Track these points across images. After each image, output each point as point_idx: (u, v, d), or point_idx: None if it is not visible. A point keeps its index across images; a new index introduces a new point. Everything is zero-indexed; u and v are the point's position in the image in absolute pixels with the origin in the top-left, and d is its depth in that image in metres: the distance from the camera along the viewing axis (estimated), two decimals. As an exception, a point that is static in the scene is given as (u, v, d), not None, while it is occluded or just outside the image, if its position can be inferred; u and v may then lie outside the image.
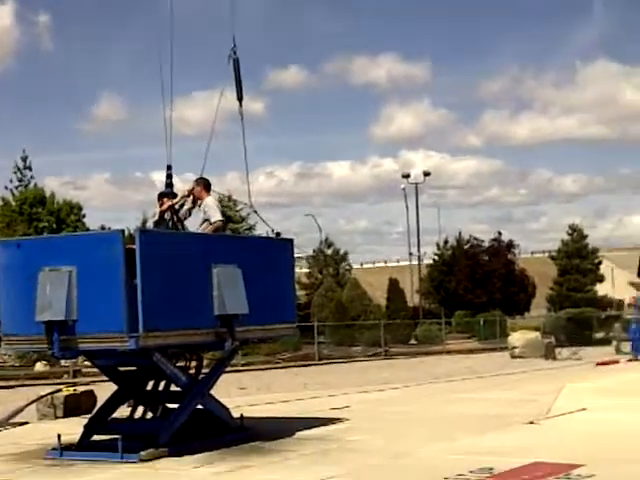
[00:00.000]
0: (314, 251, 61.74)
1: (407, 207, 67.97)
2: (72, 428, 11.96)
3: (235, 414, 11.86)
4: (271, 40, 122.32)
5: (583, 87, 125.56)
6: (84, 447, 10.76)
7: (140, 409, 11.75)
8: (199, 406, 11.28)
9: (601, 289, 70.68)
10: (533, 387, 18.82)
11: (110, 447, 10.34)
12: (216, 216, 11.97)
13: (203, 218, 12.04)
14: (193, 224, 12.22)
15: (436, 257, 69.00)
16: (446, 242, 69.12)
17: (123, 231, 10.15)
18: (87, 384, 20.58)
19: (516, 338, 42.08)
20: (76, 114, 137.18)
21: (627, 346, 37.68)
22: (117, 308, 9.82)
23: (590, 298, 64.92)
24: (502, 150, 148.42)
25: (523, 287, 66.17)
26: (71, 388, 16.85)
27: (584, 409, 13.69)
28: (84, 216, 50.28)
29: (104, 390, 13.06)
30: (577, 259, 68.23)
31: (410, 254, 68.09)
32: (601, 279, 70.23)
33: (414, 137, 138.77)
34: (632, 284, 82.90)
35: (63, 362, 31.36)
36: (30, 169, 51.89)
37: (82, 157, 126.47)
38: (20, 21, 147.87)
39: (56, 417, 15.45)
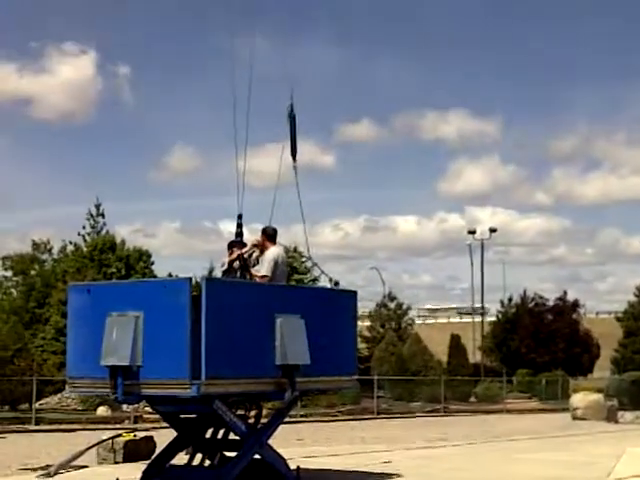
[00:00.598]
0: (377, 305, 61.73)
1: (472, 263, 67.75)
2: (131, 473, 12.09)
3: (292, 465, 11.89)
4: (344, 93, 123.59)
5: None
6: (142, 492, 10.87)
7: (198, 456, 11.84)
8: (257, 455, 11.34)
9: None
10: (594, 450, 18.57)
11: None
12: (262, 271, 12.15)
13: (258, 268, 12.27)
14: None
15: (499, 314, 68.47)
16: (510, 299, 68.63)
17: (190, 279, 10.31)
18: (147, 430, 20.74)
19: (578, 399, 41.49)
20: (150, 163, 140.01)
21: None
22: (181, 355, 9.94)
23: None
24: (570, 209, 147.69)
25: (587, 348, 65.30)
26: (131, 433, 16.99)
27: (645, 474, 13.48)
28: (152, 263, 51.05)
29: (164, 437, 13.18)
30: (643, 321, 67.18)
31: (473, 310, 67.65)
32: (668, 342, 69.03)
33: (481, 193, 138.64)
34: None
35: (125, 407, 31.68)
36: (103, 216, 52.99)
37: (153, 205, 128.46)
38: (101, 72, 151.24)
39: (115, 462, 15.58)
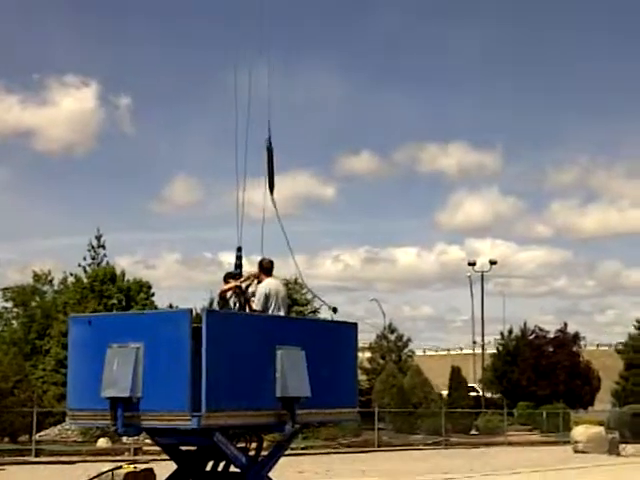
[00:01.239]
0: (377, 336, 61.65)
1: (472, 295, 67.69)
2: (131, 505, 12.06)
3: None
4: (345, 125, 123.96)
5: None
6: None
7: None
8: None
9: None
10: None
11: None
12: (253, 306, 12.20)
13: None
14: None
15: (500, 346, 68.34)
16: (510, 332, 68.49)
17: (191, 310, 10.34)
18: (147, 462, 20.70)
19: (579, 432, 41.38)
20: (151, 194, 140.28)
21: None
22: (181, 386, 9.94)
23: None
24: (570, 241, 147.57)
25: (588, 380, 65.12)
26: (131, 465, 16.97)
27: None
28: (153, 295, 50.99)
29: (164, 469, 13.15)
30: (644, 353, 67.03)
31: (474, 343, 67.60)
32: (669, 375, 68.85)
33: (481, 225, 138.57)
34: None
35: (125, 439, 31.58)
36: (103, 247, 53.06)
37: (154, 237, 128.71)
38: (102, 103, 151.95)
39: (116, 494, 15.55)
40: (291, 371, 10.82)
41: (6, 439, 35.33)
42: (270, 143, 13.09)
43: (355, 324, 12.72)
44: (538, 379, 62.42)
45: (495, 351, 68.94)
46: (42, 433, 36.01)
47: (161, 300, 52.11)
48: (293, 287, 46.22)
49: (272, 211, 12.82)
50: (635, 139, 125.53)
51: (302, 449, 34.83)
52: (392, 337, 61.63)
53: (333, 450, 38.08)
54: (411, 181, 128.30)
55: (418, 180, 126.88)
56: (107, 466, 16.82)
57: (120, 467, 16.46)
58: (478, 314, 67.40)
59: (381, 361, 59.19)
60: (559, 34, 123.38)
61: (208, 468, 11.81)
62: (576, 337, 67.09)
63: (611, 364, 72.97)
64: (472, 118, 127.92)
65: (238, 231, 12.65)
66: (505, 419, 50.94)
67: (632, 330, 69.52)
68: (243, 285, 12.47)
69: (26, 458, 31.36)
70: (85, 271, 51.37)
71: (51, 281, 58.66)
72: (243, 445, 11.61)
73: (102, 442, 34.72)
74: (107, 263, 52.26)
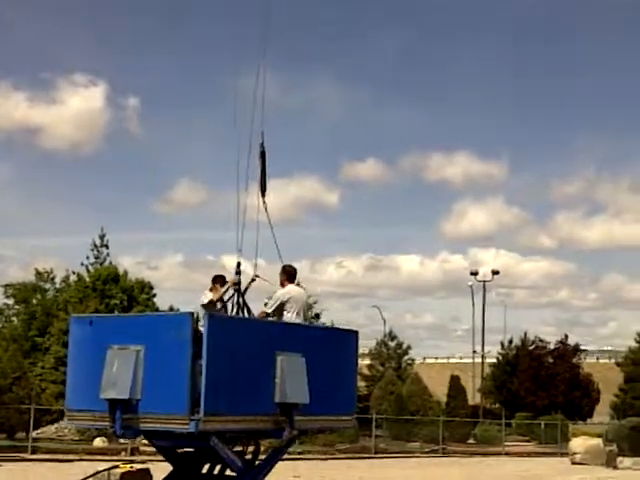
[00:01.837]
0: (377, 343, 61.66)
1: (474, 304, 67.63)
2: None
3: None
4: (351, 132, 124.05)
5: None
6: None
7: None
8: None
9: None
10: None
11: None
12: (266, 308, 12.17)
13: None
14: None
15: (500, 356, 68.32)
16: (511, 342, 68.51)
17: (192, 313, 10.35)
18: (144, 462, 20.68)
19: (577, 444, 41.36)
20: (155, 195, 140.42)
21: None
22: (181, 390, 9.94)
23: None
24: (573, 253, 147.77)
25: (587, 392, 65.11)
26: (128, 465, 16.96)
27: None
28: (155, 296, 50.98)
29: (160, 470, 13.15)
30: (644, 367, 66.98)
31: (474, 352, 67.54)
32: (668, 388, 68.79)
33: (485, 235, 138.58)
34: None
35: (121, 439, 31.56)
36: (107, 247, 52.96)
37: (157, 238, 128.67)
38: (110, 103, 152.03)
39: (111, 493, 15.54)
40: (290, 377, 10.81)
41: (3, 435, 35.31)
42: (263, 147, 13.08)
43: (356, 332, 12.71)
44: (537, 390, 62.43)
45: (495, 361, 68.90)
46: (39, 431, 35.98)
47: (162, 301, 52.17)
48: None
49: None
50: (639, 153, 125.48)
51: (299, 454, 34.78)
52: (392, 344, 61.65)
53: (330, 456, 38.02)
54: (416, 189, 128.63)
55: (423, 188, 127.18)
56: (104, 465, 16.81)
57: (116, 467, 16.45)
58: (479, 323, 67.40)
59: (380, 368, 59.19)
60: (566, 47, 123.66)
61: (204, 471, 11.81)
62: (576, 349, 67.10)
63: (611, 377, 72.87)
64: (478, 128, 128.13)
65: (238, 237, 12.55)
66: (503, 429, 50.91)
67: (633, 343, 69.52)
68: (225, 296, 12.41)
69: (22, 455, 31.32)
70: (88, 270, 51.32)
71: (53, 279, 58.65)
72: (240, 449, 11.61)
73: (99, 441, 34.70)
74: (110, 263, 52.24)
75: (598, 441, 42.81)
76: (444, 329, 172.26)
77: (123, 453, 32.05)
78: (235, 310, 12.36)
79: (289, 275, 12.57)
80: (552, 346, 66.84)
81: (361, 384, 50.10)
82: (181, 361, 10.00)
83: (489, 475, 30.38)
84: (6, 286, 59.63)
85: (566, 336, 68.04)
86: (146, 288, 50.14)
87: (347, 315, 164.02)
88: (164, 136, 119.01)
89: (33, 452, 32.15)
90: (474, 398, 64.03)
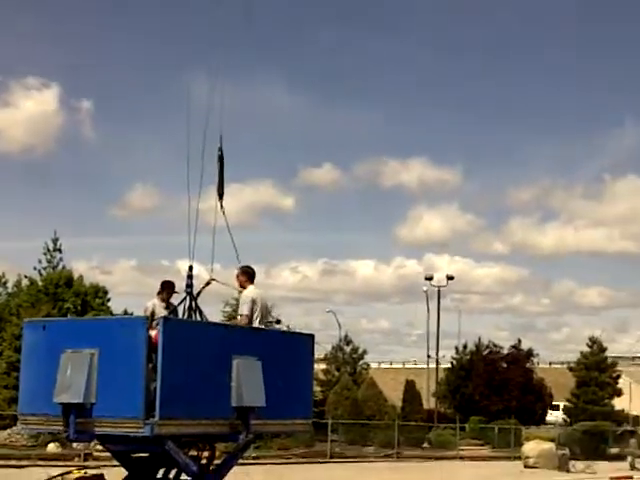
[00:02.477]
0: (333, 348, 61.70)
1: (428, 310, 67.89)
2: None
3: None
4: (306, 138, 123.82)
5: (610, 201, 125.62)
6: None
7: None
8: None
9: (618, 404, 69.90)
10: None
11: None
12: (243, 310, 12.12)
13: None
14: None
15: (454, 361, 68.65)
16: (465, 347, 68.83)
17: (147, 317, 10.29)
18: (98, 467, 20.50)
19: (530, 448, 41.71)
20: (109, 200, 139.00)
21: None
22: (135, 394, 9.87)
23: (606, 412, 64.16)
24: (527, 258, 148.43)
25: (540, 397, 65.60)
26: (82, 471, 16.78)
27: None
28: (109, 300, 50.51)
29: (114, 475, 13.03)
30: (595, 372, 67.62)
31: (428, 357, 67.81)
32: (619, 393, 69.52)
33: (440, 241, 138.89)
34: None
35: (75, 445, 31.27)
36: (60, 251, 52.36)
37: (111, 242, 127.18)
38: (63, 107, 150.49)
39: (65, 499, 15.35)
40: (247, 381, 10.78)
41: (-46, 441, 34.88)
42: (221, 151, 13.03)
43: (312, 336, 12.71)
44: (491, 394, 62.79)
45: (449, 365, 69.22)
46: (-9, 436, 35.58)
47: (117, 306, 51.71)
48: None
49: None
50: (594, 160, 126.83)
51: (254, 459, 34.67)
52: (348, 349, 61.72)
53: (286, 460, 37.97)
54: (371, 195, 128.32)
55: (378, 194, 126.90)
56: (57, 471, 16.63)
57: (70, 472, 16.27)
58: (434, 328, 67.66)
59: (336, 373, 59.22)
60: (517, 53, 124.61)
61: (159, 475, 11.74)
62: (530, 354, 67.60)
63: (564, 381, 73.51)
64: (433, 135, 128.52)
65: (190, 242, 12.41)
66: (457, 433, 51.17)
67: (585, 348, 70.19)
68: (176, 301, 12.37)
69: (-26, 461, 30.95)
70: (40, 274, 50.82)
71: (5, 283, 57.95)
72: (195, 454, 11.55)
73: (52, 447, 34.36)
74: (63, 267, 51.74)
75: (551, 445, 43.23)
76: (399, 334, 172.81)
77: (77, 459, 31.76)
78: (187, 315, 12.25)
79: (250, 276, 12.53)
80: (506, 351, 67.29)
81: (317, 389, 50.04)
82: (135, 365, 9.94)
83: (444, 479, 30.52)
84: (-44, 291, 58.85)
85: (519, 341, 68.60)
86: (100, 292, 49.71)
87: (303, 320, 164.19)
88: (118, 140, 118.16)
89: (-16, 458, 31.76)
90: (429, 403, 64.27)
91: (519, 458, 42.04)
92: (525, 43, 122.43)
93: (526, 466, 39.21)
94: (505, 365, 65.84)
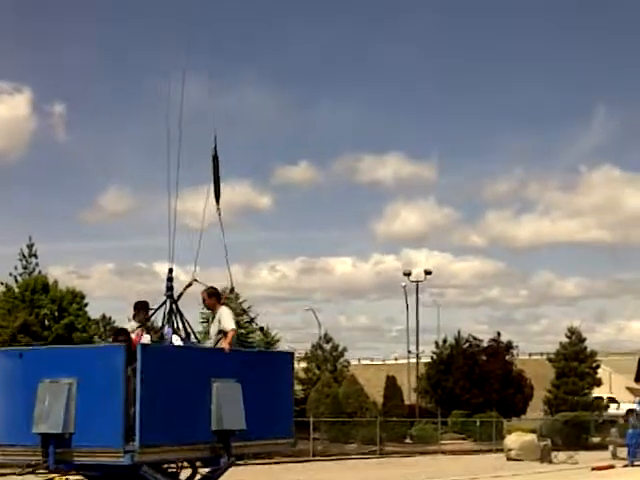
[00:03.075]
0: (313, 346, 61.66)
1: (407, 305, 67.97)
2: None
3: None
4: (281, 136, 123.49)
5: (586, 191, 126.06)
6: None
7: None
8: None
9: (598, 393, 70.22)
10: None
11: None
12: (231, 325, 12.03)
13: (218, 328, 12.11)
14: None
15: (434, 356, 68.74)
16: (445, 341, 68.82)
17: (124, 346, 10.19)
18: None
19: (512, 440, 41.84)
20: (84, 203, 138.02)
21: (623, 451, 37.51)
22: (114, 422, 9.82)
23: (587, 402, 64.50)
24: (504, 251, 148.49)
25: (520, 389, 65.73)
26: (63, 477, 16.62)
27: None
28: (86, 305, 50.15)
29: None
30: (575, 362, 67.81)
31: (409, 352, 67.91)
32: (599, 383, 69.82)
33: (417, 235, 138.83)
34: (629, 389, 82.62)
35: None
36: (35, 256, 51.78)
37: (87, 246, 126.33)
38: (35, 111, 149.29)
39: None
40: (227, 404, 10.74)
41: None
42: (215, 152, 12.95)
43: (291, 353, 12.68)
44: (472, 388, 62.86)
45: (429, 360, 69.32)
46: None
47: (94, 311, 51.46)
48: (229, 296, 45.99)
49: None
50: (569, 151, 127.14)
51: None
52: (327, 347, 61.70)
53: (268, 460, 37.89)
54: (348, 191, 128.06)
55: (354, 190, 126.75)
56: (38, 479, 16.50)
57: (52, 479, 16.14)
58: (413, 324, 67.78)
59: (317, 371, 59.15)
60: (494, 44, 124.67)
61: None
62: (509, 346, 67.72)
63: (543, 373, 73.76)
64: (408, 129, 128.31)
65: (169, 245, 12.29)
66: (439, 428, 51.29)
67: (564, 339, 70.45)
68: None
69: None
70: (16, 281, 50.38)
71: (-21, 290, 57.51)
72: (174, 470, 11.45)
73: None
74: (39, 272, 51.35)
75: (532, 437, 43.33)
76: (379, 330, 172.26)
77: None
78: (167, 319, 12.12)
79: (218, 297, 12.52)
80: (485, 344, 67.42)
81: (297, 387, 49.98)
82: (114, 393, 9.88)
83: (427, 473, 30.52)
84: None
85: (498, 334, 68.68)
86: (77, 297, 49.36)
87: (282, 319, 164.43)
88: (91, 142, 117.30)
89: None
90: (410, 398, 64.37)
91: (501, 451, 42.16)
92: (496, 36, 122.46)
93: (509, 458, 39.33)
94: (485, 358, 65.91)
